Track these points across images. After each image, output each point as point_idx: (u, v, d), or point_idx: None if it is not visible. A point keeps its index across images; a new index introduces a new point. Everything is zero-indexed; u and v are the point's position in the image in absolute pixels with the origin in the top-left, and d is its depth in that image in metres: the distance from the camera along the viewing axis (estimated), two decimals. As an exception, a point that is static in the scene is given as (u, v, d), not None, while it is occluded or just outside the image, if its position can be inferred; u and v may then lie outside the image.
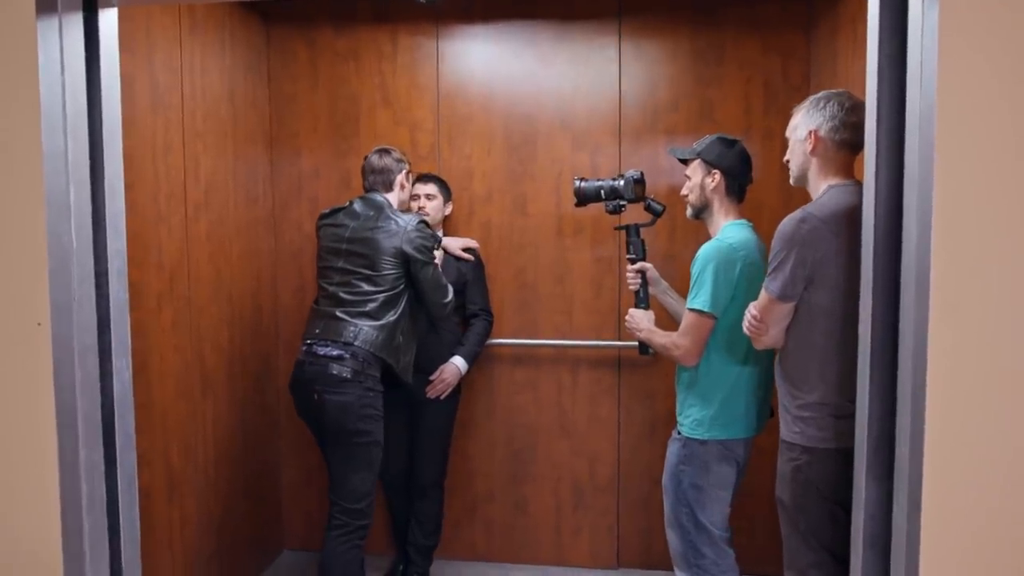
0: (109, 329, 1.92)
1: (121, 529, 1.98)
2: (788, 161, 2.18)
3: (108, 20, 1.91)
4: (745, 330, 2.13)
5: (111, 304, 1.93)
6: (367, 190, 2.94)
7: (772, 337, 2.08)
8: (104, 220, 1.91)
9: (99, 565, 1.88)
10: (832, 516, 1.98)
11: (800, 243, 1.96)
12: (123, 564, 1.99)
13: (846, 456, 1.91)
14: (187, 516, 2.79)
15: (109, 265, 1.93)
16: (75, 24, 1.79)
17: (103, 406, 1.91)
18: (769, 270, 2.04)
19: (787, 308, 2.02)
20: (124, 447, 1.98)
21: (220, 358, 3.03)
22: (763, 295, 2.06)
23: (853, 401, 1.89)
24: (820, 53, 3.08)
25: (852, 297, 1.88)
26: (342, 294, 2.74)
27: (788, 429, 2.07)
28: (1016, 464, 1.43)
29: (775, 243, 2.02)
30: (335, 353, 2.64)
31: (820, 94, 2.10)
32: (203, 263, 2.90)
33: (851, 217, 1.91)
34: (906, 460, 1.56)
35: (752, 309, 2.10)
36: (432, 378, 3.14)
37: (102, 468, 1.88)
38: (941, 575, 1.47)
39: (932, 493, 1.49)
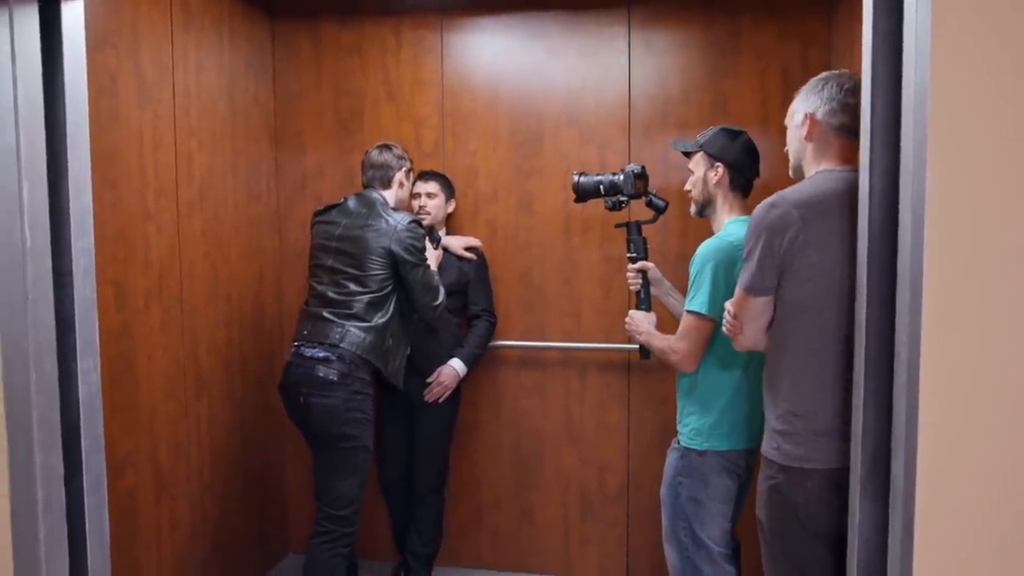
0: (74, 329, 1.88)
1: (88, 534, 1.93)
2: (788, 150, 2.03)
3: (72, 11, 1.86)
4: (723, 329, 1.98)
5: (76, 304, 1.87)
6: (365, 186, 2.87)
7: (749, 337, 1.90)
8: (68, 218, 1.86)
9: (58, 571, 1.83)
10: (809, 543, 1.81)
11: (768, 229, 1.78)
12: (89, 570, 1.94)
13: (826, 477, 1.75)
14: (178, 518, 2.75)
15: (74, 264, 1.87)
16: (29, 15, 1.73)
17: (67, 408, 1.86)
18: (743, 264, 1.87)
19: (760, 303, 1.83)
20: (91, 450, 1.93)
21: (216, 358, 2.98)
22: (736, 289, 1.90)
23: (834, 414, 1.74)
24: (841, 39, 2.90)
25: (824, 293, 1.72)
26: (330, 294, 2.67)
27: (766, 443, 1.90)
28: (1013, 480, 1.28)
29: (746, 233, 1.86)
30: (321, 355, 2.57)
31: (820, 75, 1.93)
32: (198, 262, 2.85)
33: (828, 203, 1.73)
34: (901, 479, 1.42)
35: (727, 306, 1.94)
36: (429, 381, 3.04)
37: (61, 472, 1.83)
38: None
39: (925, 515, 1.35)
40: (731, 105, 3.09)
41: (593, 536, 3.34)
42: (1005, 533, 1.30)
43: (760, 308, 1.84)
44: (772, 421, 1.88)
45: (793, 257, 1.76)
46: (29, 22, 1.74)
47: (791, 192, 1.81)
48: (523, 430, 3.36)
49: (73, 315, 1.88)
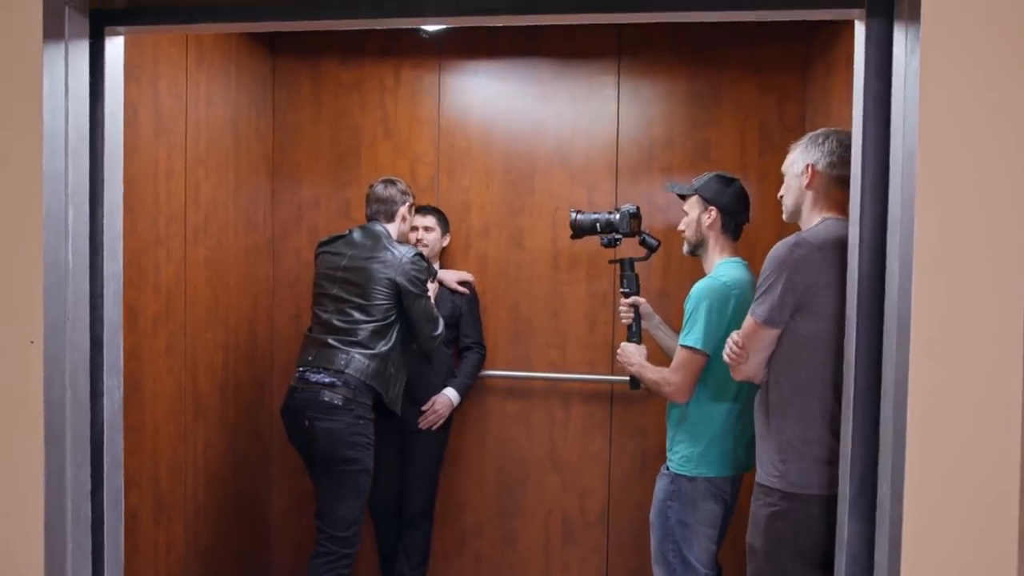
0: (102, 350, 1.94)
1: (105, 549, 1.98)
2: (782, 197, 2.18)
3: (114, 48, 1.96)
4: (724, 357, 2.10)
5: (105, 325, 1.95)
6: (369, 219, 2.98)
7: (751, 367, 2.02)
8: (102, 243, 1.94)
9: (81, 586, 1.88)
10: (804, 570, 1.91)
11: (791, 267, 1.92)
12: (106, 584, 1.99)
13: (827, 504, 1.85)
14: (173, 539, 2.79)
15: (105, 287, 1.95)
16: (81, 50, 1.84)
17: (93, 425, 1.92)
18: (757, 295, 1.99)
19: (771, 335, 1.97)
20: (112, 467, 1.99)
21: (213, 382, 3.04)
22: (748, 320, 2.02)
23: (836, 439, 1.87)
24: (815, 95, 3.13)
25: (839, 328, 1.82)
26: (335, 322, 2.77)
27: (766, 471, 2.00)
28: (994, 502, 1.44)
29: (765, 267, 1.98)
30: (327, 380, 2.67)
31: (819, 131, 2.10)
32: (201, 287, 2.93)
33: (843, 247, 1.85)
34: (887, 500, 1.56)
35: (734, 336, 2.07)
36: (424, 409, 3.15)
37: (88, 487, 1.89)
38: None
39: (912, 534, 1.49)
40: (713, 152, 3.29)
41: (573, 561, 3.44)
42: (987, 550, 1.45)
43: (771, 340, 1.97)
44: (772, 451, 1.99)
45: (814, 294, 1.90)
46: (81, 56, 1.84)
47: (811, 235, 1.96)
48: (508, 457, 3.47)
49: (102, 336, 1.95)
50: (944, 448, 1.47)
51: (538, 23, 1.85)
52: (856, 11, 1.67)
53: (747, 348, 2.02)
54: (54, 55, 1.76)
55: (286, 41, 3.51)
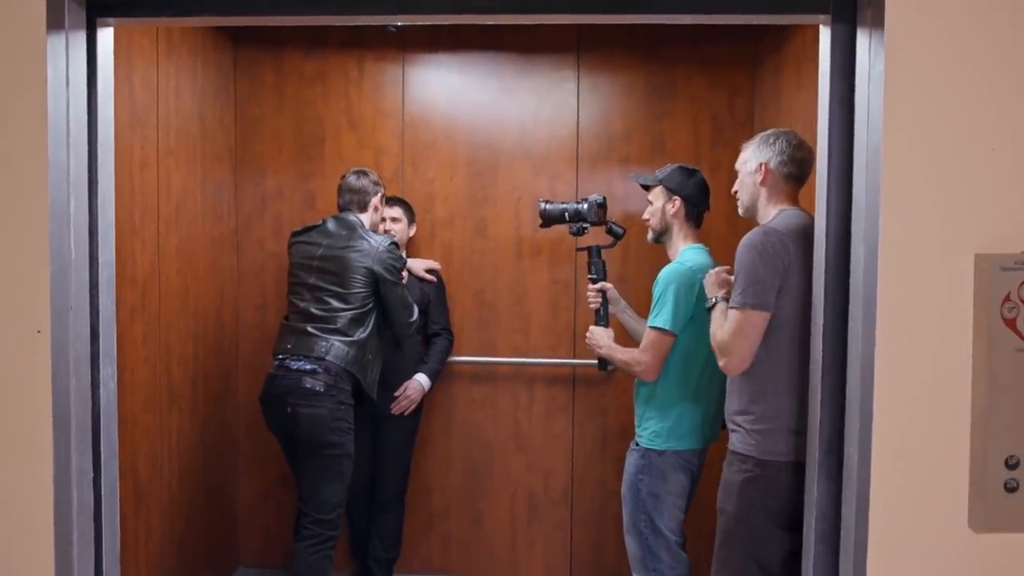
0: (99, 339, 1.97)
1: (104, 538, 2.00)
2: (736, 192, 2.34)
3: (105, 38, 1.97)
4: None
5: (100, 314, 1.97)
6: (341, 209, 3.03)
7: (746, 356, 2.08)
8: (97, 231, 1.96)
9: (86, 573, 1.90)
10: (773, 531, 2.06)
11: (771, 253, 2.05)
12: (104, 571, 2.01)
13: (797, 469, 1.98)
14: (151, 530, 2.80)
15: (100, 276, 1.97)
16: (79, 40, 1.85)
17: (93, 414, 1.95)
18: (741, 286, 2.08)
19: (765, 319, 2.06)
20: (108, 455, 2.01)
21: (185, 372, 3.06)
22: (738, 313, 2.08)
23: (806, 409, 2.03)
24: (765, 91, 3.32)
25: (803, 308, 1.98)
26: (313, 310, 2.82)
27: (740, 441, 2.14)
28: (955, 462, 1.62)
29: (741, 257, 2.09)
30: (308, 367, 2.72)
31: (768, 132, 2.26)
32: (173, 278, 2.94)
33: (806, 233, 2.02)
34: (855, 461, 1.72)
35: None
36: (396, 394, 3.23)
37: (91, 475, 1.92)
38: (887, 568, 1.64)
39: (879, 491, 1.65)
40: (668, 144, 3.46)
41: (539, 537, 3.58)
42: (943, 500, 1.63)
43: (764, 324, 2.08)
44: (746, 422, 2.14)
45: (788, 276, 2.05)
46: (79, 47, 1.86)
47: (776, 224, 2.13)
48: (474, 441, 3.58)
49: (98, 325, 1.98)
50: (907, 414, 1.63)
51: (532, 23, 1.95)
52: (822, 16, 1.81)
53: (742, 338, 2.09)
54: (56, 45, 1.77)
55: (248, 33, 3.52)
